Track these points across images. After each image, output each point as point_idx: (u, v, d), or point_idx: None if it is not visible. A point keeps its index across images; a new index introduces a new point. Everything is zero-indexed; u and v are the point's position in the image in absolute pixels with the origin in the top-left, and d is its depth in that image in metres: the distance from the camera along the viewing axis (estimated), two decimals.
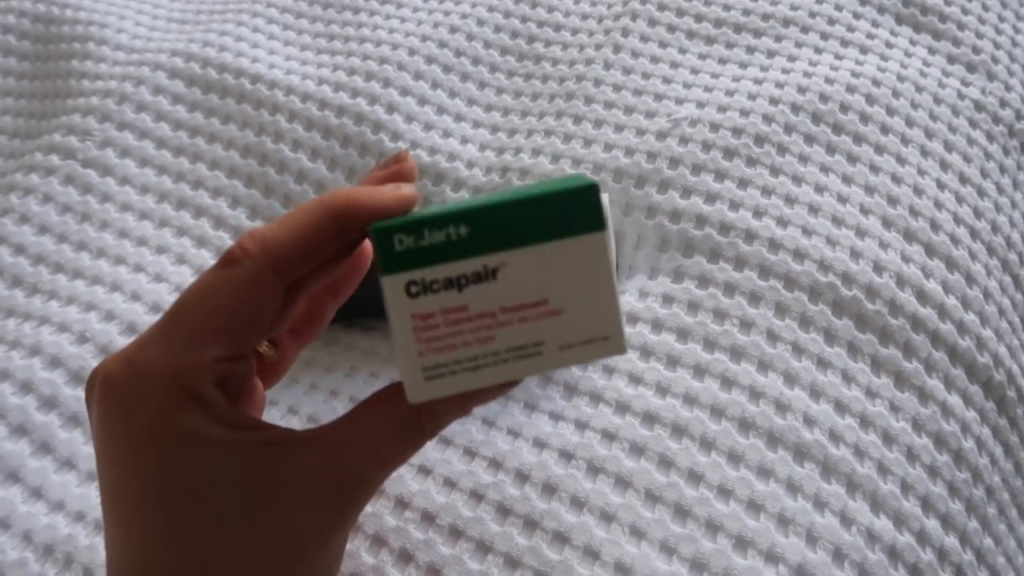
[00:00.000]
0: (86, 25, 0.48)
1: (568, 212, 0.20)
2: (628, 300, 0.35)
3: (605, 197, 0.34)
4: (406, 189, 0.23)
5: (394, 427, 0.22)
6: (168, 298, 0.37)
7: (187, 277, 0.38)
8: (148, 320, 0.36)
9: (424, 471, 0.30)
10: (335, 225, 0.22)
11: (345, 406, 0.34)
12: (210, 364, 0.21)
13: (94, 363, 0.35)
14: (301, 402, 0.35)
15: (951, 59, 0.45)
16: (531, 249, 0.20)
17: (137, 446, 0.21)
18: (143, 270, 0.39)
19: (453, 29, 0.46)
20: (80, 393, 0.34)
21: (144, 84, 0.45)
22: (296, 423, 0.34)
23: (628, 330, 0.34)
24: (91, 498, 0.31)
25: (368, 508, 0.29)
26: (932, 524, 0.31)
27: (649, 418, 0.31)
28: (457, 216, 0.20)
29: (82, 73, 0.47)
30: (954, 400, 0.34)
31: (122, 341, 0.35)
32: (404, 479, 0.30)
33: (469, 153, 0.42)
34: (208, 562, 0.21)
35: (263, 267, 0.21)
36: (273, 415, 0.34)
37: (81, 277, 0.38)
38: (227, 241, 0.40)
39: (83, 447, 0.33)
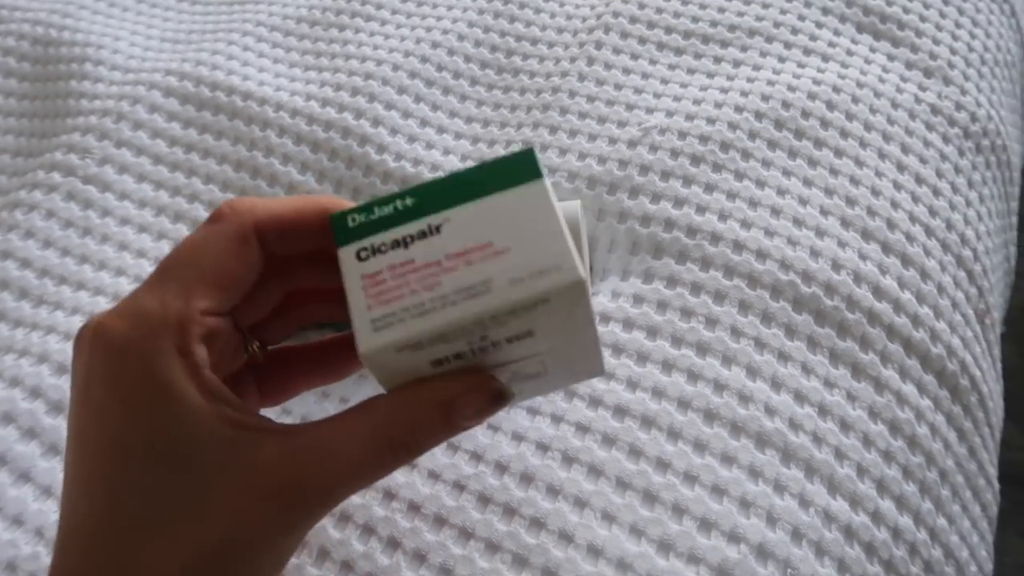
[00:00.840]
0: (83, 47, 0.51)
1: (507, 171, 0.22)
2: (601, 301, 0.37)
3: (577, 203, 0.36)
4: None
5: (361, 444, 0.22)
6: None
7: None
8: None
9: (410, 465, 0.32)
10: (320, 216, 0.23)
11: (336, 406, 0.36)
12: (197, 316, 0.21)
13: None
14: (293, 403, 0.37)
15: (909, 65, 0.47)
16: (473, 203, 0.21)
17: (115, 393, 0.21)
18: (142, 280, 0.41)
19: (435, 44, 0.49)
20: None
21: (140, 103, 0.47)
22: (291, 423, 0.36)
23: (601, 329, 0.36)
24: None
25: (357, 500, 0.31)
26: (887, 505, 0.33)
27: (620, 411, 0.33)
28: (404, 192, 0.22)
29: (80, 93, 0.49)
30: (908, 389, 0.36)
31: None
32: (392, 474, 0.32)
33: (451, 164, 0.44)
34: (152, 525, 0.20)
35: (247, 224, 0.22)
36: (266, 414, 0.36)
37: (84, 288, 0.40)
38: None
39: None
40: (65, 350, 0.37)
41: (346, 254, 0.21)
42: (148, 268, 0.41)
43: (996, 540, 0.40)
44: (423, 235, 0.21)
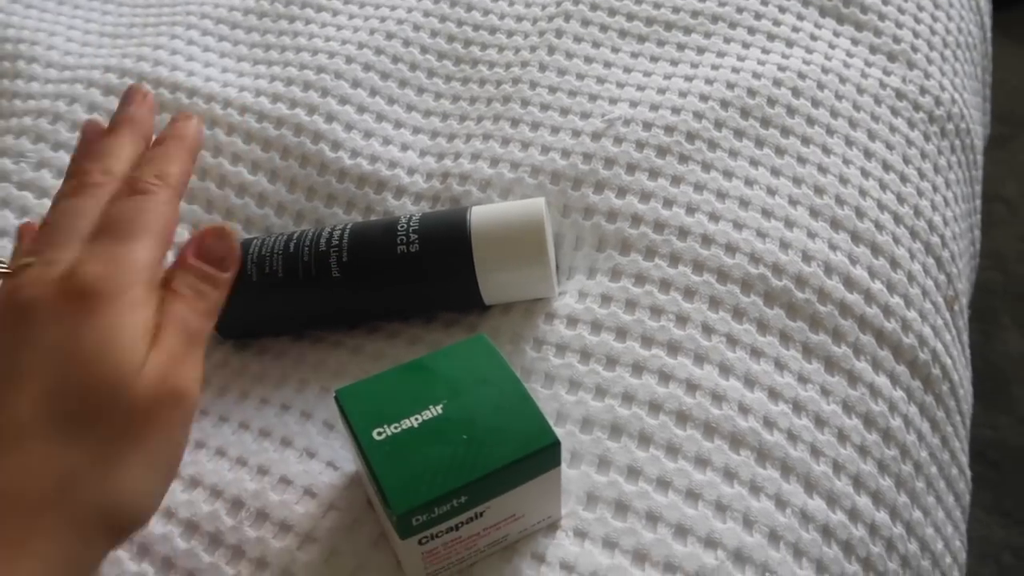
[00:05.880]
0: (15, 43, 0.48)
1: (536, 463, 0.27)
2: (568, 302, 0.36)
3: (541, 201, 0.35)
4: None
5: None
6: None
7: None
8: None
9: None
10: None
11: (296, 419, 0.34)
12: None
13: None
14: (252, 417, 0.35)
15: (873, 49, 0.46)
16: (509, 493, 0.27)
17: None
18: None
19: (389, 35, 0.47)
20: None
21: (78, 102, 0.45)
22: (248, 437, 0.34)
23: (569, 333, 0.35)
24: None
25: None
26: (863, 501, 0.33)
27: (587, 423, 0.32)
28: (459, 490, 0.26)
29: (13, 93, 0.46)
30: (882, 381, 0.36)
31: None
32: None
33: (409, 160, 0.42)
34: None
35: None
36: (224, 431, 0.34)
37: None
38: (169, 258, 0.40)
39: None
40: None
41: (410, 543, 0.26)
42: None
43: None
44: (470, 520, 0.27)
